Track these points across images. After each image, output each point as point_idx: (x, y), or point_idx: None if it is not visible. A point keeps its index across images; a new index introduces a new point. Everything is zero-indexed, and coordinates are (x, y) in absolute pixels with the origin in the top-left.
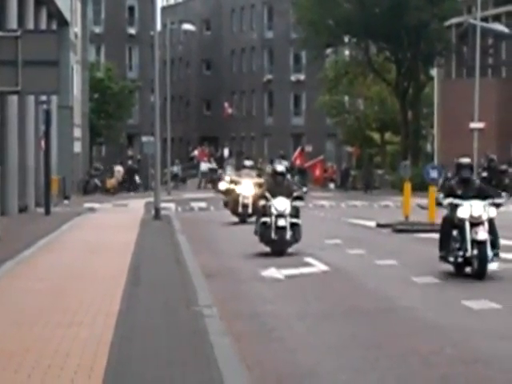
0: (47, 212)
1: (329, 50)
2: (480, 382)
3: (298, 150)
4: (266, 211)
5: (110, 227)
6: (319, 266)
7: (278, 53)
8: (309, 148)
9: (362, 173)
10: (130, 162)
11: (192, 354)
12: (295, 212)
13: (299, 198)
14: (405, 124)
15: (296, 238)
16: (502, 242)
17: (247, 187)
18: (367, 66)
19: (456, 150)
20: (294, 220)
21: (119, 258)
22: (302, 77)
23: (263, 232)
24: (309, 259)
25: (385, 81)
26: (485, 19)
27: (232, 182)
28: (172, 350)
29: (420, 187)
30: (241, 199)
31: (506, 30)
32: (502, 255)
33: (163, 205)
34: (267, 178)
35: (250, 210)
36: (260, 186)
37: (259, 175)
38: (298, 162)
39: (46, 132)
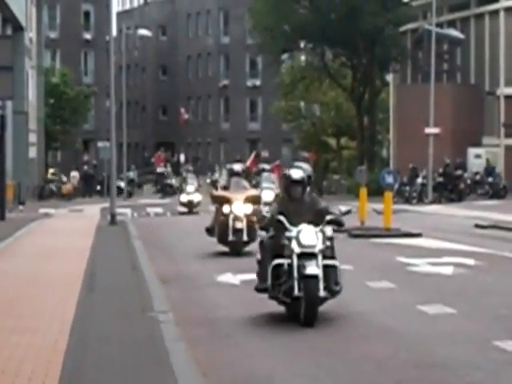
0: (1, 218)
1: (285, 56)
2: None
3: (253, 154)
4: (279, 248)
5: (65, 233)
6: None
7: (234, 58)
8: (265, 153)
9: (314, 178)
10: (85, 168)
11: (147, 360)
12: (330, 248)
13: (337, 222)
14: (360, 129)
15: (333, 291)
16: (454, 246)
17: (239, 204)
18: (323, 71)
19: (411, 155)
20: (330, 262)
21: (74, 263)
22: (257, 82)
23: (278, 284)
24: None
25: (341, 86)
26: (440, 25)
27: (215, 198)
28: (127, 356)
29: (376, 192)
30: (231, 222)
31: (460, 35)
32: (455, 260)
33: (119, 210)
34: (278, 194)
35: (245, 237)
36: (256, 201)
37: (255, 186)
38: (252, 166)
39: (1, 137)
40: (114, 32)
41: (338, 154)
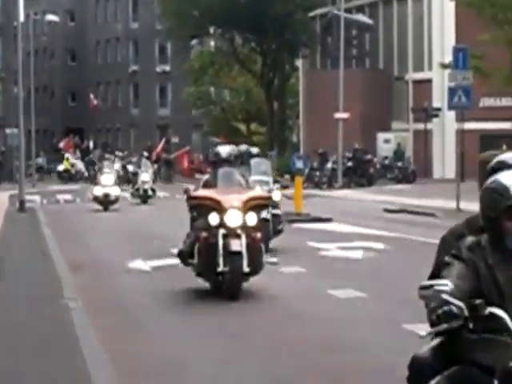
0: None
1: (194, 41)
2: (346, 369)
3: (163, 141)
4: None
5: None
6: None
7: (143, 44)
8: (175, 139)
9: None
10: None
11: (58, 346)
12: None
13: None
14: (270, 114)
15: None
16: (363, 230)
17: (235, 213)
18: (233, 56)
19: (321, 140)
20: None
21: None
22: (167, 68)
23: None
24: (176, 250)
25: (250, 72)
26: (349, 10)
27: (194, 201)
28: (38, 343)
29: None
30: (221, 242)
31: (369, 21)
32: (365, 244)
33: (28, 197)
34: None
35: (244, 266)
36: (263, 205)
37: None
38: (162, 153)
39: None
40: (22, 17)
41: (248, 140)
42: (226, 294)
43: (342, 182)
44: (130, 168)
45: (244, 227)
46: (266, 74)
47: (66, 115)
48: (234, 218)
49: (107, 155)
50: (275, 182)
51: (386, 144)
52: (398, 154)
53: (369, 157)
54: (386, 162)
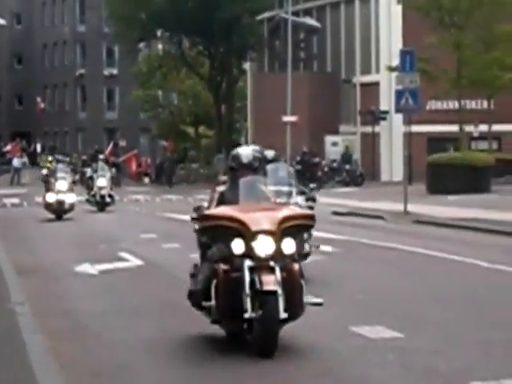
0: None
1: (142, 44)
2: (294, 372)
3: (111, 144)
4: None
5: None
6: (134, 261)
7: (91, 47)
8: (123, 142)
9: (165, 167)
10: None
11: (4, 352)
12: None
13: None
14: (219, 118)
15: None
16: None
17: (266, 239)
18: (180, 60)
19: (269, 143)
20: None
21: None
22: (114, 71)
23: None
24: (123, 254)
25: (198, 75)
26: (296, 13)
27: (206, 221)
28: None
29: None
30: (247, 279)
31: (316, 24)
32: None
33: None
34: None
35: (281, 311)
36: (306, 226)
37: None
38: (110, 156)
39: None
40: None
41: (196, 143)
42: (255, 349)
43: None
44: (88, 172)
45: (279, 257)
46: (213, 77)
47: (12, 119)
48: (265, 246)
49: (61, 156)
50: (301, 193)
51: (333, 147)
52: (346, 156)
53: (317, 160)
54: (334, 164)
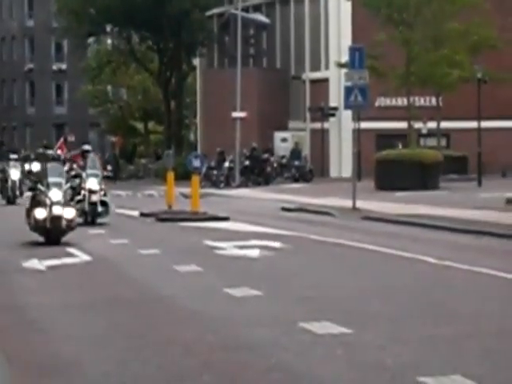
0: None
1: (91, 39)
2: (241, 368)
3: (61, 139)
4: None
5: None
6: (82, 257)
7: (39, 42)
8: (71, 138)
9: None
10: None
11: None
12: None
13: None
14: (168, 113)
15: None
16: (260, 229)
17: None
18: (130, 55)
19: (219, 139)
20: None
21: None
22: (63, 66)
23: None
24: (71, 249)
25: (147, 70)
26: (246, 9)
27: None
28: None
29: (183, 176)
30: None
31: (266, 20)
32: (262, 242)
33: None
34: None
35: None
36: None
37: None
38: (60, 151)
39: None
40: None
41: (145, 139)
42: None
43: (240, 181)
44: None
45: None
46: (163, 72)
47: None
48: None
49: (49, 151)
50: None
51: (283, 143)
52: (295, 153)
53: (266, 156)
54: (284, 160)
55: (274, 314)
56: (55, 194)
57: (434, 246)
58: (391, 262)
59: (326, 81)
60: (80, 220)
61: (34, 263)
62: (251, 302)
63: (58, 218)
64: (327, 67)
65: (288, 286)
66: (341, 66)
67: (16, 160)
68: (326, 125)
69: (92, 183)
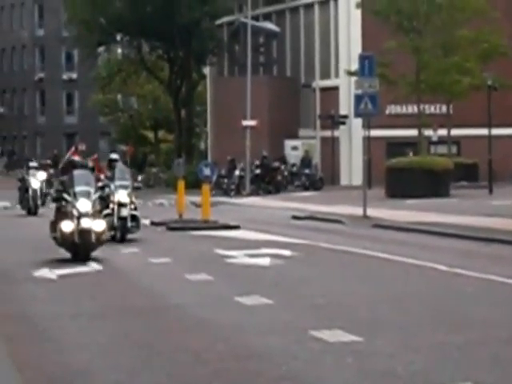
0: None
1: (101, 49)
2: (252, 377)
3: (72, 149)
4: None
5: None
6: (93, 266)
7: (50, 51)
8: (82, 147)
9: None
10: None
11: None
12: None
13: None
14: (178, 122)
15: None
16: (271, 237)
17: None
18: (140, 64)
19: (229, 147)
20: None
21: None
22: (74, 75)
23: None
24: None
25: (158, 79)
26: (256, 18)
27: None
28: None
29: (194, 185)
30: None
31: (276, 28)
32: (273, 251)
33: None
34: None
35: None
36: None
37: None
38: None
39: None
40: None
41: (155, 147)
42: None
43: (250, 190)
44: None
45: None
46: (173, 81)
47: None
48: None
49: (76, 158)
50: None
51: (293, 151)
52: (306, 161)
53: (276, 164)
54: (294, 169)
55: (284, 322)
56: (83, 205)
57: (444, 254)
58: (401, 269)
59: (336, 89)
60: (108, 235)
61: (45, 272)
62: (262, 311)
63: (87, 232)
64: (337, 75)
65: (299, 294)
66: (351, 74)
67: (36, 168)
68: (336, 133)
69: (122, 196)
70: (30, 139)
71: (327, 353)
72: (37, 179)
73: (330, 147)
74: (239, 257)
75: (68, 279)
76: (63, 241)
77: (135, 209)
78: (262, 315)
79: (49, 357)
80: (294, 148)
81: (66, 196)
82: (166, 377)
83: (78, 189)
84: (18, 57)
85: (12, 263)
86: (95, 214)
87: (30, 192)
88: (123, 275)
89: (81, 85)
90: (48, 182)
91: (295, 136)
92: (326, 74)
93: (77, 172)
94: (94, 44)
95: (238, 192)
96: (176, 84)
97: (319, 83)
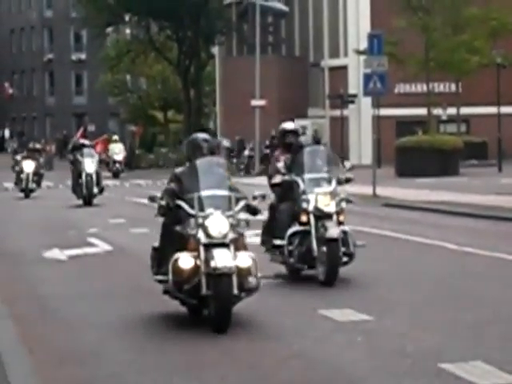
0: None
1: (109, 29)
2: (264, 356)
3: (81, 129)
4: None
5: None
6: (103, 246)
7: (58, 32)
8: (91, 127)
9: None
10: None
11: None
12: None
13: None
14: (187, 102)
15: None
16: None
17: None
18: (149, 44)
19: (239, 127)
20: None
21: None
22: (83, 56)
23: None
24: (92, 239)
25: (166, 59)
26: None
27: None
28: None
29: None
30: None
31: (284, 8)
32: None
33: None
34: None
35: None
36: None
37: None
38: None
39: None
40: None
41: (165, 128)
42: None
43: (260, 169)
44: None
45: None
46: (182, 61)
47: None
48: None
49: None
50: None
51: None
52: (315, 140)
53: None
54: None
55: (294, 301)
56: (217, 224)
57: (453, 232)
58: (412, 248)
59: (344, 68)
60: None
61: (55, 253)
62: (273, 292)
63: (226, 277)
64: (346, 54)
65: (307, 274)
66: (359, 52)
67: (90, 147)
68: (345, 112)
69: (321, 201)
70: (40, 120)
71: (337, 332)
72: (93, 161)
73: (340, 126)
74: (248, 237)
75: (78, 260)
76: (180, 287)
77: (341, 223)
78: (274, 296)
79: (60, 337)
80: (303, 127)
81: (182, 204)
82: (177, 355)
83: (205, 193)
84: (27, 38)
85: (21, 243)
86: (238, 241)
87: (84, 177)
88: (132, 255)
89: (90, 65)
90: (36, 173)
91: (304, 115)
92: (334, 53)
93: (199, 161)
94: (103, 24)
95: (248, 172)
96: (185, 64)
97: (328, 62)
